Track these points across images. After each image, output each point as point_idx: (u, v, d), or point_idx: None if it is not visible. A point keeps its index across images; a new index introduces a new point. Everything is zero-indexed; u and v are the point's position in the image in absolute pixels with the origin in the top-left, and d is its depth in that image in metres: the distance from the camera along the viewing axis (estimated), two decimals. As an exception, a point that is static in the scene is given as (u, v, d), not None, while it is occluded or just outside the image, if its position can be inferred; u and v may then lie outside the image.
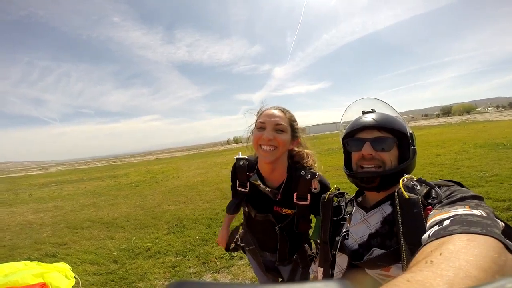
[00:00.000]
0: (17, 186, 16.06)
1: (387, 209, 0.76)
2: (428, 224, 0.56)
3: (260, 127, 1.14)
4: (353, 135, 0.85)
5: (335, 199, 0.98)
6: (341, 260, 0.83)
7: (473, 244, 0.40)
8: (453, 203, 0.58)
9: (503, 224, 0.51)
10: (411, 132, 0.82)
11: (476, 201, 0.56)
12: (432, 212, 0.59)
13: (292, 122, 1.19)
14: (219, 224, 4.36)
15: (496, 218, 0.52)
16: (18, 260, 3.33)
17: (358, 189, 0.90)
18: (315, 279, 1.04)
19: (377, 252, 0.72)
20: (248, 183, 1.27)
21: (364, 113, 0.88)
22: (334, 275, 0.85)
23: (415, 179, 0.70)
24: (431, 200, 0.64)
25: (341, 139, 0.93)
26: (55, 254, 3.80)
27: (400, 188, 0.67)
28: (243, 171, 1.28)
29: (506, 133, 11.73)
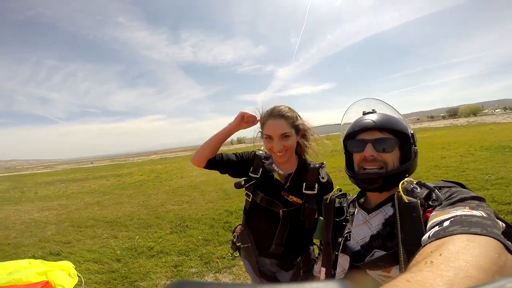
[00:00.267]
0: (23, 184, 16.28)
1: (388, 210, 0.76)
2: (428, 225, 0.56)
3: (268, 138, 1.25)
4: (354, 136, 0.84)
5: (337, 200, 0.98)
6: (343, 261, 0.83)
7: (473, 244, 0.40)
8: (453, 204, 0.57)
9: (504, 224, 0.51)
10: (412, 132, 0.81)
11: (476, 201, 0.56)
12: (432, 213, 0.59)
13: (294, 123, 1.26)
14: (221, 225, 4.37)
15: (497, 218, 0.52)
16: (22, 258, 3.37)
17: (360, 190, 0.89)
18: (318, 279, 1.03)
19: (378, 253, 0.72)
20: (260, 170, 1.33)
21: (364, 113, 0.87)
22: (336, 275, 0.85)
23: (415, 182, 0.70)
24: (432, 202, 0.64)
25: (342, 140, 0.92)
26: (59, 252, 3.83)
27: (399, 191, 0.67)
28: (260, 158, 1.37)
29: (511, 136, 11.55)
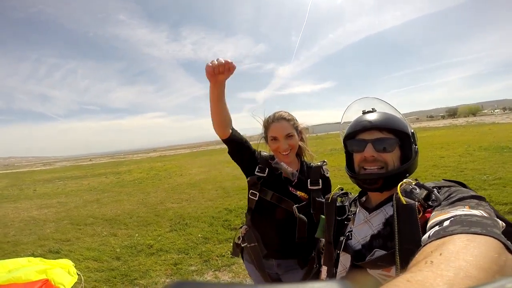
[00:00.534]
0: (22, 181, 16.25)
1: (389, 210, 0.75)
2: (428, 225, 0.56)
3: (273, 139, 1.35)
4: (354, 136, 0.84)
5: (339, 199, 0.98)
6: (345, 260, 0.84)
7: (473, 244, 0.40)
8: (452, 203, 0.58)
9: (504, 223, 0.51)
10: (412, 131, 0.81)
11: (476, 201, 0.56)
12: (432, 213, 0.59)
13: (295, 125, 1.39)
14: (221, 223, 4.38)
15: (498, 217, 0.52)
16: (21, 256, 3.37)
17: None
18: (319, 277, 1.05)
19: (378, 253, 0.73)
20: (267, 168, 1.38)
21: (364, 112, 0.86)
22: (338, 273, 0.86)
23: (414, 183, 0.70)
24: (431, 202, 0.64)
25: (342, 140, 0.92)
26: (58, 250, 3.84)
27: (397, 193, 0.67)
28: (266, 158, 1.42)
29: (510, 136, 11.59)
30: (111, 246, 3.88)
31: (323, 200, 1.25)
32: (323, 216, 1.02)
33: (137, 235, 4.25)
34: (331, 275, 0.90)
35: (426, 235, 0.51)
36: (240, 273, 2.75)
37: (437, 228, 0.50)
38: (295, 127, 1.38)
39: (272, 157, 1.43)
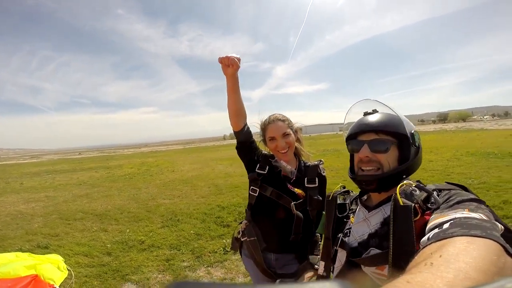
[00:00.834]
0: (8, 174, 15.82)
1: (388, 210, 0.75)
2: (427, 227, 0.56)
3: (271, 139, 1.42)
4: (355, 137, 0.86)
5: (341, 197, 1.01)
6: (342, 256, 0.86)
7: (472, 246, 0.40)
8: (452, 206, 0.58)
9: (503, 227, 0.51)
10: (412, 131, 0.80)
11: (475, 204, 0.57)
12: (432, 216, 0.60)
13: (290, 125, 1.47)
14: (214, 220, 4.38)
15: (497, 220, 0.52)
16: (9, 251, 3.31)
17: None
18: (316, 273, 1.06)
19: (373, 251, 0.75)
20: (267, 166, 1.44)
21: (365, 114, 0.88)
22: (335, 269, 0.89)
23: (414, 185, 0.71)
24: (430, 205, 0.64)
25: (345, 140, 0.94)
26: (47, 245, 3.77)
27: (396, 194, 0.68)
28: (267, 157, 1.49)
29: (498, 142, 11.93)
30: (102, 241, 3.84)
31: (319, 198, 1.36)
32: (324, 213, 1.04)
33: (128, 230, 4.21)
34: (328, 270, 0.93)
35: (426, 237, 0.52)
36: (232, 269, 2.77)
37: (436, 230, 0.51)
38: (290, 126, 1.46)
39: (272, 156, 1.49)
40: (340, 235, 0.89)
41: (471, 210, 0.54)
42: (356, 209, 0.90)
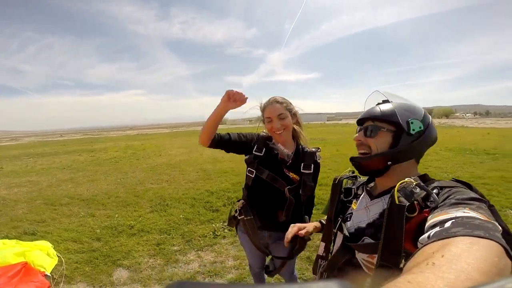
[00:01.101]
0: (-15, 158, 15.19)
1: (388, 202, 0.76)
2: (427, 224, 0.56)
3: (268, 120, 1.47)
4: (359, 124, 0.92)
5: (350, 181, 1.04)
6: (339, 239, 0.90)
7: (475, 247, 0.40)
8: (453, 205, 0.58)
9: (501, 228, 0.51)
10: (408, 120, 0.79)
11: (476, 203, 0.56)
12: (431, 214, 0.60)
13: (288, 107, 1.50)
14: (203, 204, 4.46)
15: (497, 221, 0.53)
16: (-5, 238, 3.27)
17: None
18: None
19: (367, 240, 0.79)
20: (264, 148, 1.50)
21: (377, 104, 0.89)
22: (333, 251, 0.95)
23: (415, 183, 0.69)
24: (429, 203, 0.64)
25: None
26: (34, 232, 3.74)
27: (394, 190, 0.69)
28: (264, 138, 1.54)
29: (476, 140, 12.51)
30: (90, 227, 3.84)
31: (312, 184, 1.45)
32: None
33: (117, 215, 4.22)
34: (328, 251, 0.99)
35: (426, 235, 0.51)
36: (222, 253, 2.88)
37: (438, 228, 0.50)
38: (288, 109, 1.49)
39: (270, 138, 1.54)
40: (339, 219, 0.93)
41: (472, 210, 0.53)
42: (361, 195, 0.93)
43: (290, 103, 1.52)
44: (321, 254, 1.01)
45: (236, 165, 7.46)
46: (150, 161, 9.88)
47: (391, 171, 0.82)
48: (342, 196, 1.01)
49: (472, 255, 0.37)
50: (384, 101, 0.87)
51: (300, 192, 1.48)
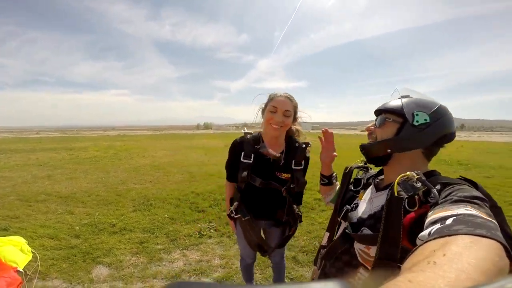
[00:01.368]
0: (-48, 151, 14.19)
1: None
2: (428, 220, 0.55)
3: (273, 110, 1.40)
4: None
5: (361, 172, 1.05)
6: (342, 228, 0.92)
7: (477, 247, 0.40)
8: (455, 202, 0.57)
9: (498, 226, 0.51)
10: (414, 112, 0.80)
11: (479, 202, 0.56)
12: (431, 210, 0.59)
13: (295, 108, 1.48)
14: (188, 205, 4.38)
15: (500, 223, 0.53)
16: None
17: (381, 167, 0.94)
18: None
19: (366, 231, 0.80)
20: (252, 155, 1.46)
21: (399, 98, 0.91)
22: (334, 239, 0.96)
23: (416, 177, 0.68)
24: (430, 199, 0.64)
25: None
26: (6, 227, 3.52)
27: (394, 182, 0.70)
28: (250, 144, 1.48)
29: (451, 152, 13.21)
30: (69, 224, 3.67)
31: (305, 180, 1.48)
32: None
33: (97, 213, 4.07)
34: (331, 241, 0.99)
35: (426, 232, 0.51)
36: (208, 252, 2.83)
37: (439, 225, 0.50)
38: (295, 110, 1.48)
39: (257, 141, 1.50)
40: (345, 208, 0.94)
41: (473, 208, 0.53)
42: (369, 187, 0.94)
43: (297, 105, 1.50)
44: (324, 244, 1.01)
45: (222, 168, 7.35)
46: (133, 162, 9.61)
47: (397, 163, 0.84)
48: (351, 186, 1.03)
49: (473, 255, 0.37)
50: (404, 96, 0.87)
51: (295, 189, 1.51)
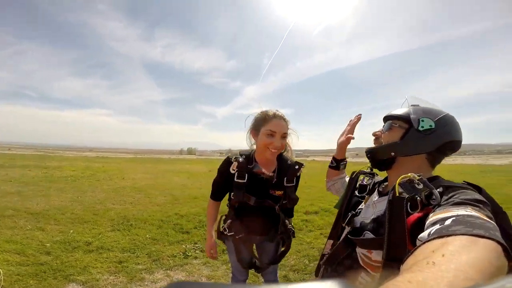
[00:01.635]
0: None
1: None
2: (428, 221, 0.55)
3: (270, 134, 1.36)
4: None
5: (366, 178, 1.04)
6: (345, 233, 0.92)
7: (475, 247, 0.40)
8: (456, 204, 0.57)
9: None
10: (420, 118, 0.83)
11: (480, 205, 0.56)
12: (432, 211, 0.59)
13: (288, 128, 1.44)
14: (171, 226, 4.17)
15: (504, 227, 0.54)
16: None
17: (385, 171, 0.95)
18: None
19: (368, 235, 0.80)
20: (246, 174, 1.41)
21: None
22: (336, 245, 0.93)
23: (417, 178, 0.69)
24: (432, 201, 0.64)
25: None
26: (-34, 240, 3.18)
27: (396, 184, 0.70)
28: (243, 165, 1.42)
29: None
30: (39, 240, 3.36)
31: (297, 197, 1.49)
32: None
33: (71, 231, 3.77)
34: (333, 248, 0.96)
35: (426, 233, 0.51)
36: (194, 272, 2.66)
37: (438, 226, 0.50)
38: (288, 129, 1.45)
39: (249, 160, 1.46)
40: (350, 213, 0.94)
41: (474, 210, 0.53)
42: (374, 193, 0.95)
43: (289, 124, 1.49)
44: (326, 252, 0.99)
45: (207, 192, 7.17)
46: (112, 183, 9.16)
47: (401, 168, 0.84)
48: (356, 191, 1.03)
49: (472, 255, 0.37)
50: (413, 105, 0.89)
51: (288, 205, 1.50)
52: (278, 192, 1.47)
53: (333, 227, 1.02)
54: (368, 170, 1.06)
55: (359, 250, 0.82)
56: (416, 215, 0.63)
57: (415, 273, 0.35)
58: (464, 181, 0.72)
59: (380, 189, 0.93)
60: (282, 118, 1.41)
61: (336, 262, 0.90)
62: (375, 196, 0.91)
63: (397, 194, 0.67)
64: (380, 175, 1.04)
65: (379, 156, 0.91)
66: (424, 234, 0.51)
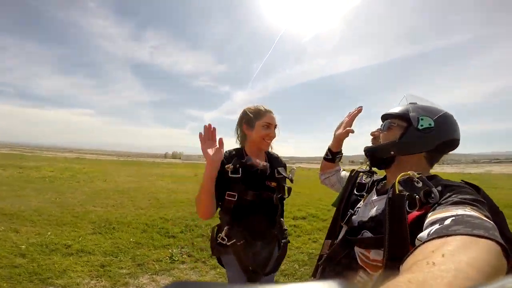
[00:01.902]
0: None
1: None
2: (427, 221, 0.55)
3: (266, 126, 1.46)
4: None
5: (365, 177, 1.04)
6: (343, 233, 0.90)
7: (475, 247, 0.40)
8: (455, 203, 0.57)
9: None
10: (419, 116, 0.82)
11: (478, 204, 0.56)
12: (431, 210, 0.59)
13: None
14: (157, 230, 4.03)
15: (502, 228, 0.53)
16: None
17: (384, 170, 0.95)
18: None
19: (366, 234, 0.79)
20: (240, 169, 1.39)
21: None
22: (334, 244, 0.92)
23: (417, 176, 0.69)
24: (430, 199, 0.63)
25: None
26: None
27: (395, 181, 0.69)
28: (236, 158, 1.43)
29: None
30: (13, 241, 3.16)
31: (290, 187, 1.50)
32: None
33: (49, 233, 3.57)
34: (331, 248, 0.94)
35: (425, 233, 0.51)
36: (181, 277, 2.57)
37: (437, 226, 0.50)
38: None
39: (240, 155, 1.47)
40: (349, 212, 0.93)
41: (473, 209, 0.53)
42: (372, 191, 0.94)
43: None
44: (324, 253, 0.97)
45: (193, 196, 7.04)
46: (93, 185, 8.82)
47: (400, 167, 0.84)
48: (354, 190, 1.02)
49: (471, 255, 0.37)
50: (411, 103, 0.89)
51: (283, 196, 1.53)
52: (273, 183, 1.49)
53: (331, 226, 1.00)
54: (367, 169, 1.06)
55: (357, 249, 0.81)
56: (415, 213, 0.63)
57: (415, 273, 0.35)
58: (462, 181, 0.72)
59: (379, 188, 0.93)
60: (272, 112, 1.53)
61: (334, 262, 0.89)
62: (373, 195, 0.90)
63: (397, 192, 0.66)
64: (379, 174, 1.05)
65: (379, 155, 0.91)
66: (423, 234, 0.51)
